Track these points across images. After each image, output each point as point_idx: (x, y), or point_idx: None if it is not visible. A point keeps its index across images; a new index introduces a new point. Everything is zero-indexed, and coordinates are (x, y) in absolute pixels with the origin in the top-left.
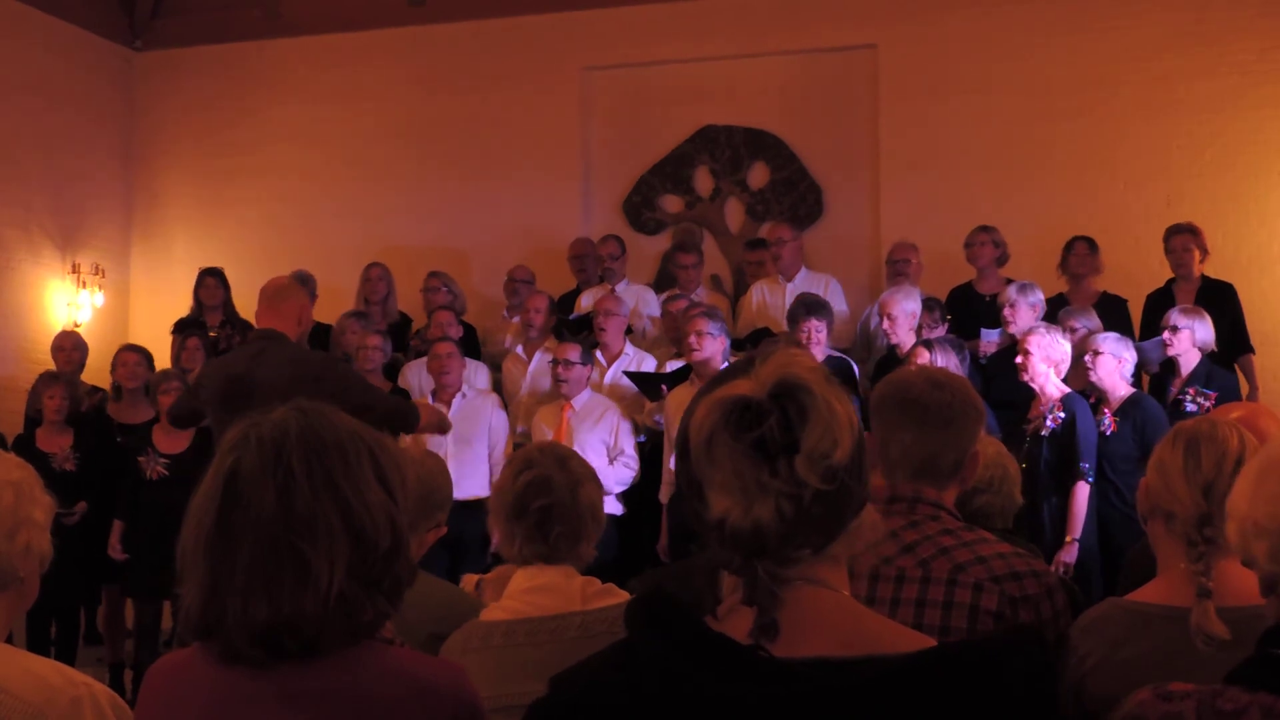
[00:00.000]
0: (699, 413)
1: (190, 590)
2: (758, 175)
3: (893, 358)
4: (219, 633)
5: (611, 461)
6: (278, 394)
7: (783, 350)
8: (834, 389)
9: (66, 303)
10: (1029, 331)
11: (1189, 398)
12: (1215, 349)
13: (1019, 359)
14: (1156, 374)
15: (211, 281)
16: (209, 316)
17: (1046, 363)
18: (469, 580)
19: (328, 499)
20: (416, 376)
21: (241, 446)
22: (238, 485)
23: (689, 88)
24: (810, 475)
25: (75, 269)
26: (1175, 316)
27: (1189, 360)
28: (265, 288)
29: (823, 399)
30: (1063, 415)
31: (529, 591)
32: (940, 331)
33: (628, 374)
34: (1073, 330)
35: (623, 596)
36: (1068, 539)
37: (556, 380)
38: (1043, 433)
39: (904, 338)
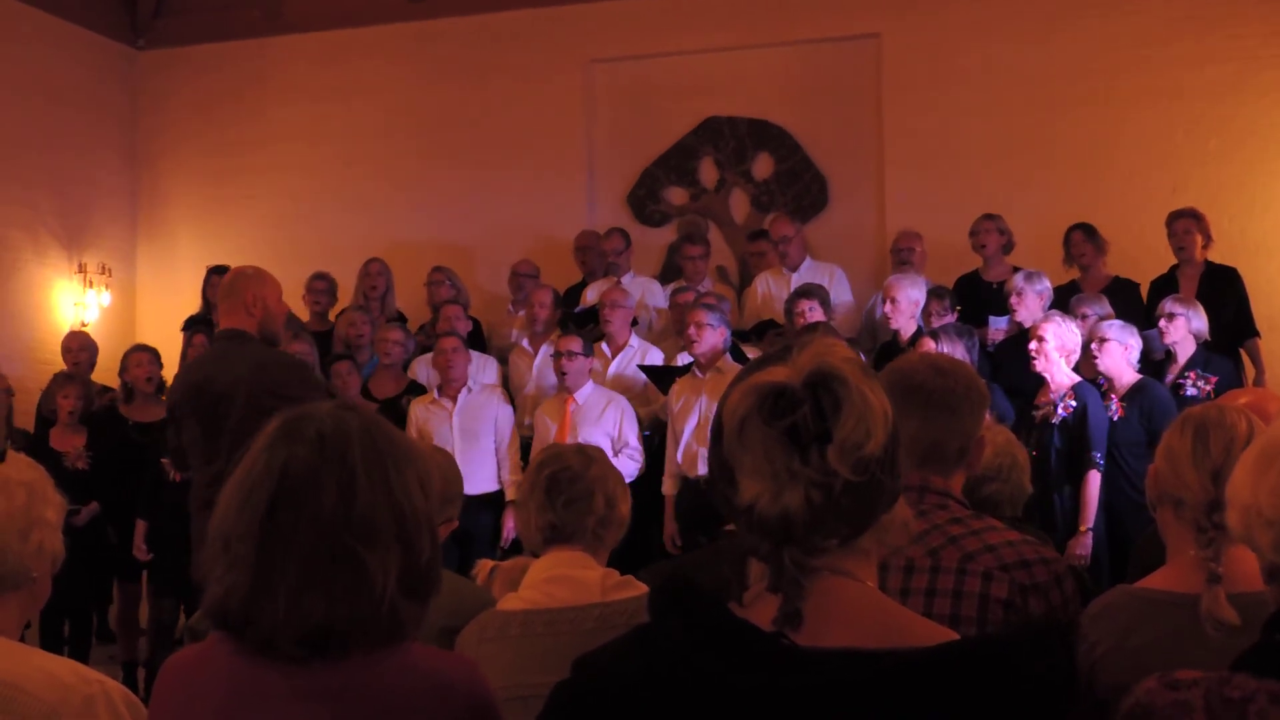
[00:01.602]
0: (733, 397)
1: (225, 581)
2: (762, 166)
3: (895, 344)
4: (256, 625)
5: (616, 454)
6: (239, 398)
7: (820, 339)
8: (870, 380)
9: (73, 302)
10: (1044, 319)
11: (1190, 382)
12: (1209, 338)
13: (1033, 346)
14: (1158, 361)
15: (218, 279)
16: (217, 314)
17: (1060, 351)
18: (484, 566)
19: (385, 503)
20: (425, 371)
21: (294, 440)
22: (291, 479)
23: (693, 79)
24: (841, 465)
25: (81, 269)
26: (1170, 304)
27: (1185, 347)
28: (220, 284)
29: (857, 390)
30: (1074, 404)
31: (547, 582)
32: (950, 319)
33: (643, 368)
34: (1084, 317)
35: (642, 589)
36: (1081, 529)
37: (559, 372)
38: (1053, 420)
39: (904, 324)
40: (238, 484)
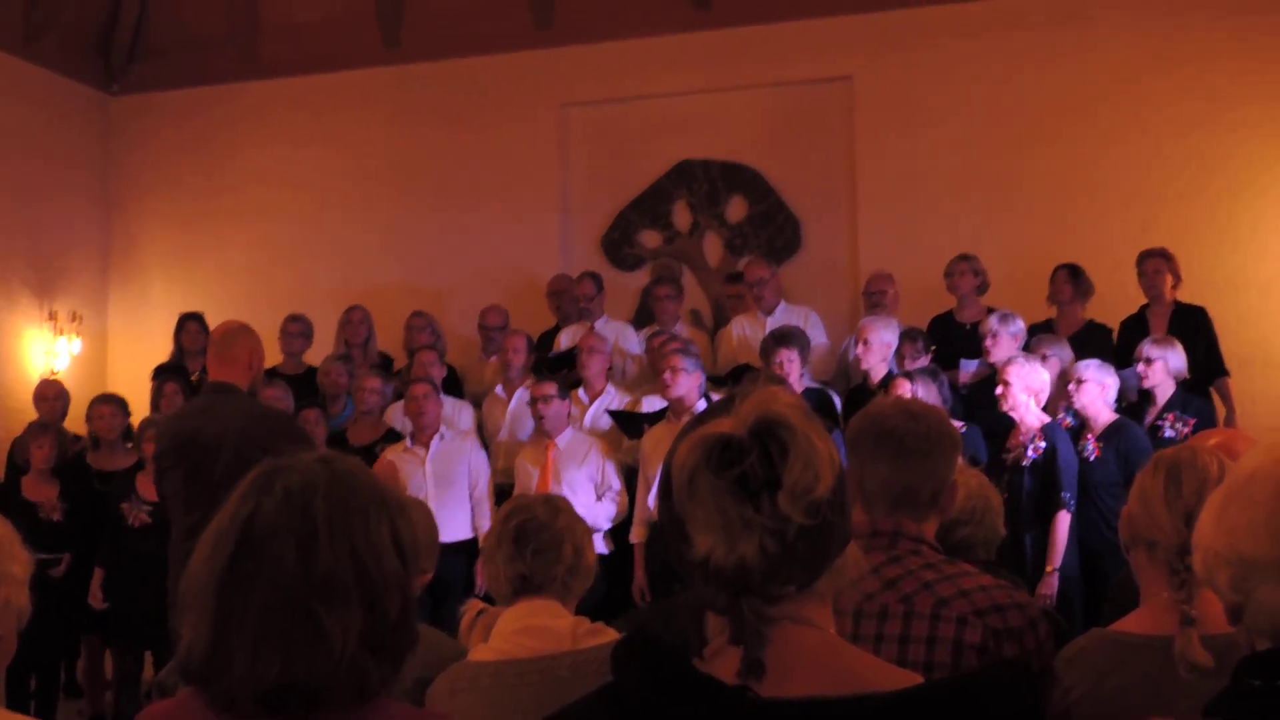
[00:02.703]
0: (681, 451)
1: (191, 632)
2: (735, 209)
3: (865, 387)
4: (220, 682)
5: (599, 498)
6: (227, 450)
7: (763, 388)
8: (814, 425)
9: (44, 350)
10: (1008, 361)
11: (1168, 424)
12: (1188, 376)
13: (999, 389)
14: (1132, 402)
15: (193, 326)
16: (190, 362)
17: (1026, 392)
18: (473, 606)
19: (347, 563)
20: (400, 418)
21: (263, 492)
22: (255, 533)
23: (666, 123)
24: (793, 510)
25: (52, 316)
26: (1148, 348)
27: (1164, 389)
28: (212, 338)
29: (803, 434)
30: (1044, 445)
31: (518, 633)
32: (924, 362)
33: (611, 413)
34: (1044, 358)
35: (613, 636)
36: (1048, 569)
37: (536, 417)
38: (1024, 463)
39: (875, 365)
40: (209, 535)
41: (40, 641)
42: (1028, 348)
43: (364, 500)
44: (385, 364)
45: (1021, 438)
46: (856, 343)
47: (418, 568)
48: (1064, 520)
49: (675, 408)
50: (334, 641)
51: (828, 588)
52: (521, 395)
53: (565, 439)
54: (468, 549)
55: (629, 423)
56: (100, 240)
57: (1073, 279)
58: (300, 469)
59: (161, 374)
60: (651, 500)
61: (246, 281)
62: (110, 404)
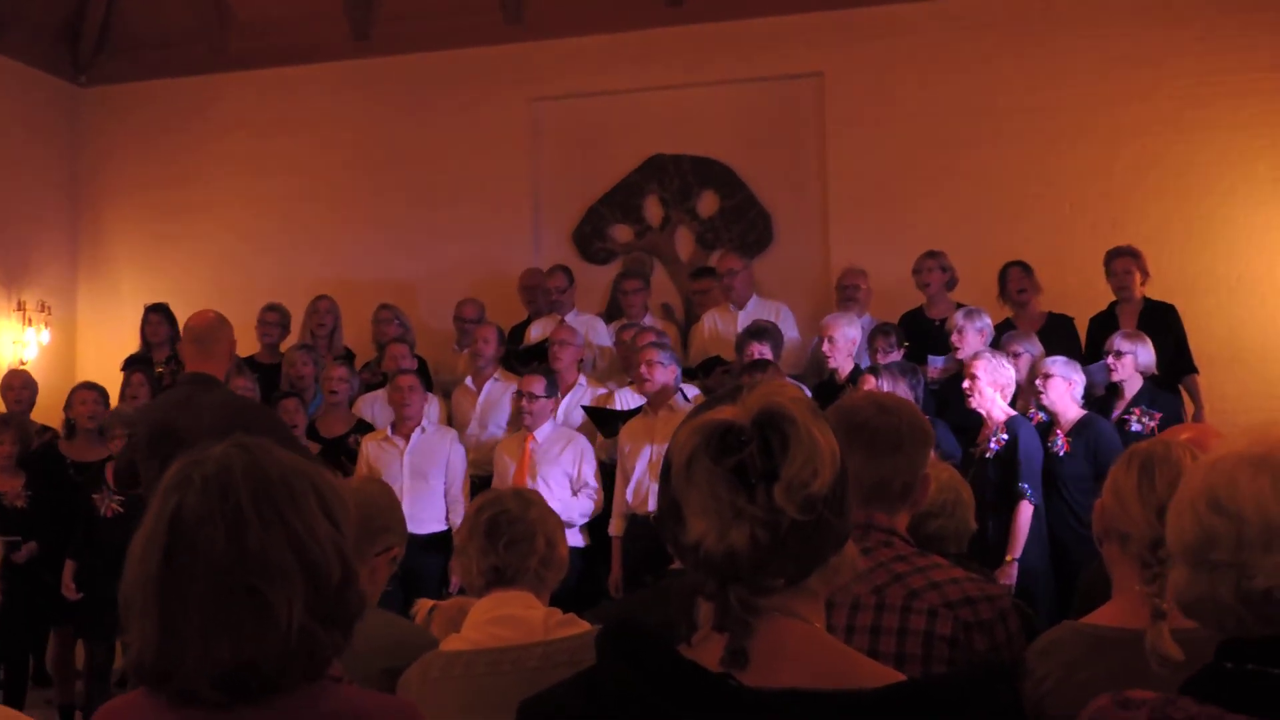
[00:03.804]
0: (682, 435)
1: (139, 636)
2: (707, 203)
3: (832, 382)
4: (175, 676)
5: (575, 493)
6: (204, 442)
7: (770, 380)
8: (819, 421)
9: (12, 341)
10: (975, 357)
11: (1134, 418)
12: (1156, 372)
13: (966, 384)
14: (1098, 396)
15: (155, 318)
16: (155, 353)
17: (993, 387)
18: (423, 605)
19: (279, 535)
20: (370, 409)
21: (184, 486)
22: (183, 526)
23: (637, 117)
24: (788, 504)
25: (21, 306)
26: (1118, 342)
27: (1132, 384)
28: (191, 328)
29: (806, 430)
30: (1005, 437)
31: (490, 623)
32: (896, 356)
33: (586, 409)
34: (1015, 355)
35: (585, 627)
36: (1007, 558)
37: (519, 411)
38: (987, 455)
39: (842, 362)
40: (139, 539)
41: (9, 632)
42: (998, 344)
43: (284, 473)
44: (348, 357)
45: (987, 431)
46: (822, 340)
47: (352, 532)
48: (1025, 511)
49: (653, 401)
50: (280, 615)
51: (820, 585)
52: (491, 388)
53: (544, 433)
54: (441, 543)
55: (604, 420)
56: (69, 230)
57: (1028, 274)
58: (214, 457)
59: (131, 365)
60: (630, 494)
61: (215, 273)
62: (93, 390)
